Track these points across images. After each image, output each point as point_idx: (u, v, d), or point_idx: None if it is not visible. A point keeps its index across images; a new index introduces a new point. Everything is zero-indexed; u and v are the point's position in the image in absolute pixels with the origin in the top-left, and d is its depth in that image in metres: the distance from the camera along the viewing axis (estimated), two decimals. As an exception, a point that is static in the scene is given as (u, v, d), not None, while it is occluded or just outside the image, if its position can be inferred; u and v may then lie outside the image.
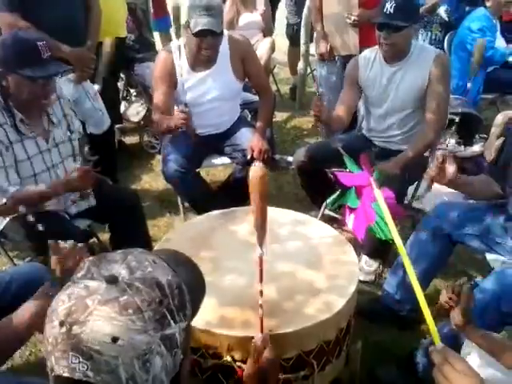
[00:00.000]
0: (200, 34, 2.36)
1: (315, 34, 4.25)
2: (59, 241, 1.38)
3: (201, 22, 2.32)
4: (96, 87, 2.74)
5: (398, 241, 1.28)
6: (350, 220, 1.68)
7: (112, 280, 0.72)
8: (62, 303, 0.73)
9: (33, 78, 1.84)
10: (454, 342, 1.64)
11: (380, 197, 1.33)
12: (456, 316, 1.43)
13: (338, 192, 1.66)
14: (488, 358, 1.40)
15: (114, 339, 0.69)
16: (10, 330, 1.31)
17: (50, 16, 2.45)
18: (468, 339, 1.47)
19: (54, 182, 1.99)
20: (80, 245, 1.41)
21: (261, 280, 1.33)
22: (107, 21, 3.12)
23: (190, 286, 0.80)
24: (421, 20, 4.24)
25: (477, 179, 1.96)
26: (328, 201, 1.63)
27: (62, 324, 0.71)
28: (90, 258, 0.79)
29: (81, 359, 0.69)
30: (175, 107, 2.62)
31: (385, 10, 2.33)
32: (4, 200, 1.85)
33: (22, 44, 1.85)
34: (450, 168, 1.74)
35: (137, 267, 0.75)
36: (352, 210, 1.61)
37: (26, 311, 1.32)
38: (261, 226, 1.38)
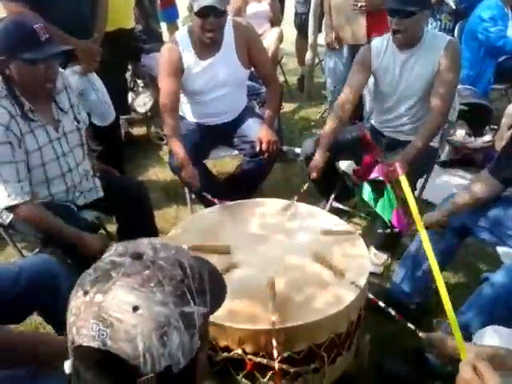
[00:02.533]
0: (203, 12, 2.34)
1: (324, 24, 4.23)
2: None
3: (203, 1, 2.31)
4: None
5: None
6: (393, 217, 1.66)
7: (137, 256, 0.76)
8: (88, 275, 0.76)
9: (33, 60, 1.83)
10: (463, 334, 1.63)
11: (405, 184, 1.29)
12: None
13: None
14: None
15: (135, 308, 0.71)
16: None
17: (57, 8, 2.43)
18: None
19: (74, 234, 1.96)
20: None
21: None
22: (114, 11, 3.10)
23: (211, 275, 0.84)
24: (431, 7, 4.19)
25: (464, 202, 1.95)
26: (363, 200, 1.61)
27: (86, 293, 0.74)
28: (118, 242, 0.83)
29: (101, 326, 0.71)
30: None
31: None
32: (15, 202, 1.86)
33: (20, 28, 1.83)
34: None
35: (161, 249, 0.79)
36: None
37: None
38: None
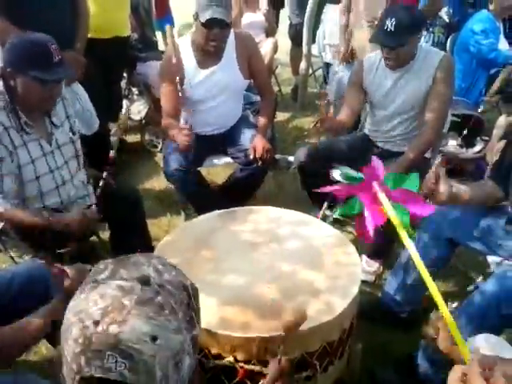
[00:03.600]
0: (209, 24, 2.37)
1: (317, 35, 4.27)
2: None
3: (210, 12, 2.33)
4: None
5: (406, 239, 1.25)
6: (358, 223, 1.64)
7: (145, 281, 0.74)
8: (93, 304, 0.73)
9: (43, 80, 1.83)
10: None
11: (384, 199, 1.30)
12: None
13: (342, 204, 1.63)
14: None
15: (154, 338, 0.70)
16: (21, 336, 1.32)
17: (38, 19, 2.41)
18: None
19: (53, 219, 1.94)
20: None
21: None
22: (108, 20, 3.12)
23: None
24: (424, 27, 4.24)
25: (473, 190, 1.90)
26: (336, 213, 1.60)
27: (97, 324, 0.71)
28: (110, 260, 0.80)
29: (118, 358, 0.69)
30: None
31: (385, 28, 2.29)
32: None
33: (35, 46, 1.84)
34: (442, 187, 1.72)
35: (163, 270, 0.78)
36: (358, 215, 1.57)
37: (36, 321, 1.34)
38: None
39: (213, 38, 2.42)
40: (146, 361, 0.70)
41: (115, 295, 0.72)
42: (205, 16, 2.35)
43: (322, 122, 2.40)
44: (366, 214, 1.31)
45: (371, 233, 1.34)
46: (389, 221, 1.30)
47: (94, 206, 2.05)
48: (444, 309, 1.07)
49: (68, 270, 1.38)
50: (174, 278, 0.78)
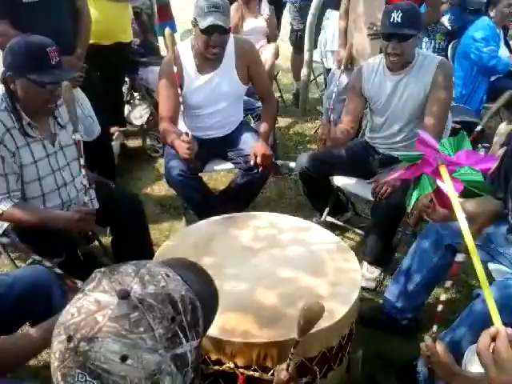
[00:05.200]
0: (208, 30, 2.37)
1: (319, 41, 4.27)
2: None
3: (209, 19, 2.34)
4: None
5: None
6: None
7: (123, 295, 0.69)
8: (71, 317, 0.70)
9: (41, 83, 1.84)
10: (453, 352, 1.64)
11: (444, 171, 1.26)
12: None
13: (412, 189, 1.59)
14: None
15: (123, 358, 0.66)
16: (25, 341, 1.31)
17: (39, 25, 2.42)
18: None
19: (55, 216, 1.96)
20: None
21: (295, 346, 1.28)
22: (112, 25, 3.14)
23: (203, 299, 0.78)
24: (424, 29, 4.26)
25: (473, 207, 1.90)
26: (409, 202, 1.54)
27: (69, 339, 0.68)
28: (102, 269, 0.76)
29: (87, 377, 0.66)
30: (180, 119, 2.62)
31: (392, 20, 2.32)
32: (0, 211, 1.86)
33: (33, 49, 1.85)
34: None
35: (149, 281, 0.73)
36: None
37: (40, 330, 1.33)
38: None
39: (212, 44, 2.43)
40: (115, 381, 0.66)
41: (90, 309, 0.69)
42: (204, 23, 2.35)
43: (323, 141, 2.41)
44: (443, 184, 1.24)
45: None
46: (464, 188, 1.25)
47: (85, 199, 2.00)
48: (487, 289, 1.04)
49: (79, 283, 1.36)
50: (161, 290, 0.72)
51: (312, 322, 1.18)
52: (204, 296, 0.79)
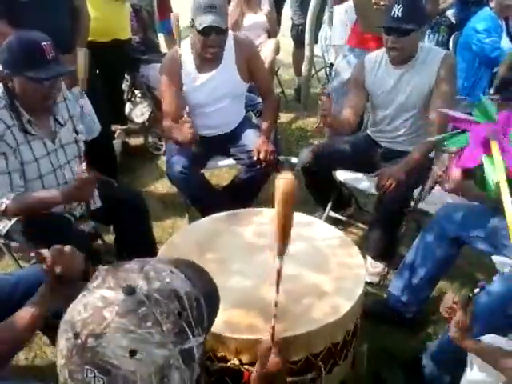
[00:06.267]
0: (205, 32, 2.37)
1: (320, 36, 4.26)
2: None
3: (205, 20, 2.33)
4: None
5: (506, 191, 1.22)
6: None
7: (130, 291, 0.70)
8: (77, 314, 0.70)
9: (38, 79, 1.84)
10: (459, 346, 1.64)
11: (496, 149, 1.27)
12: (452, 328, 1.43)
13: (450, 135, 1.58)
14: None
15: (132, 353, 0.66)
16: (12, 331, 1.29)
17: (37, 23, 2.41)
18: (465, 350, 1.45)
19: (53, 192, 1.96)
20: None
21: (277, 292, 1.31)
22: (107, 23, 3.13)
23: (206, 296, 0.79)
24: (429, 22, 4.22)
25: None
26: (444, 143, 1.54)
27: (77, 336, 0.68)
28: (106, 267, 0.76)
29: (96, 373, 0.66)
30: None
31: (392, 14, 2.30)
32: (3, 206, 1.86)
33: (28, 45, 1.85)
34: (457, 172, 1.71)
35: (155, 278, 0.73)
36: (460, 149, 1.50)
37: (26, 312, 1.30)
38: (284, 238, 1.31)
39: (210, 44, 2.43)
40: (125, 376, 0.66)
41: (97, 306, 0.69)
42: (200, 24, 2.35)
43: (324, 117, 2.39)
44: (466, 152, 1.30)
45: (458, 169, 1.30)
46: (479, 168, 1.28)
47: (83, 166, 1.95)
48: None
49: (44, 252, 1.30)
50: (166, 285, 0.72)
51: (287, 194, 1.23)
52: (207, 293, 0.80)
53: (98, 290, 0.72)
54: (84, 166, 1.94)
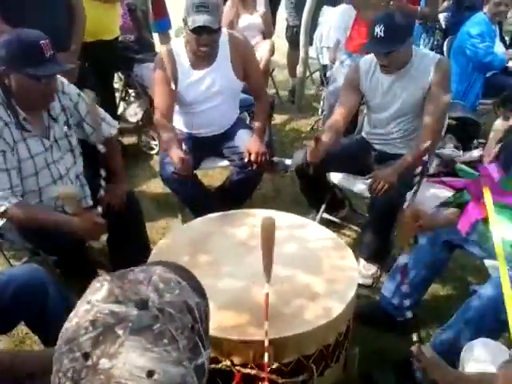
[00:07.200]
0: (197, 31, 2.37)
1: (314, 37, 4.26)
2: None
3: (197, 19, 2.33)
4: None
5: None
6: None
7: (142, 305, 0.65)
8: (84, 331, 0.64)
9: (36, 77, 1.83)
10: (450, 349, 1.64)
11: (489, 200, 1.44)
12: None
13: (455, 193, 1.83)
14: (485, 366, 1.40)
15: (150, 373, 0.62)
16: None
17: (33, 21, 2.39)
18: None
19: (62, 219, 1.95)
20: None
21: (266, 318, 1.34)
22: (93, 24, 3.10)
23: (206, 304, 0.76)
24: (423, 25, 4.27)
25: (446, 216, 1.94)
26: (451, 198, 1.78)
27: (86, 357, 0.62)
28: (108, 277, 0.70)
29: None
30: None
31: (375, 35, 2.29)
32: (3, 208, 1.84)
33: (26, 43, 1.83)
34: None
35: (165, 289, 0.68)
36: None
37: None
38: (268, 267, 1.46)
39: (203, 42, 2.42)
40: None
41: (107, 322, 0.63)
42: (192, 23, 2.34)
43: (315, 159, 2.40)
44: (470, 206, 1.49)
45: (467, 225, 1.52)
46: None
47: (99, 210, 2.01)
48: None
49: None
50: (177, 297, 0.68)
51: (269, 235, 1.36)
52: (207, 301, 0.77)
53: (105, 305, 0.66)
54: (100, 210, 1.99)
